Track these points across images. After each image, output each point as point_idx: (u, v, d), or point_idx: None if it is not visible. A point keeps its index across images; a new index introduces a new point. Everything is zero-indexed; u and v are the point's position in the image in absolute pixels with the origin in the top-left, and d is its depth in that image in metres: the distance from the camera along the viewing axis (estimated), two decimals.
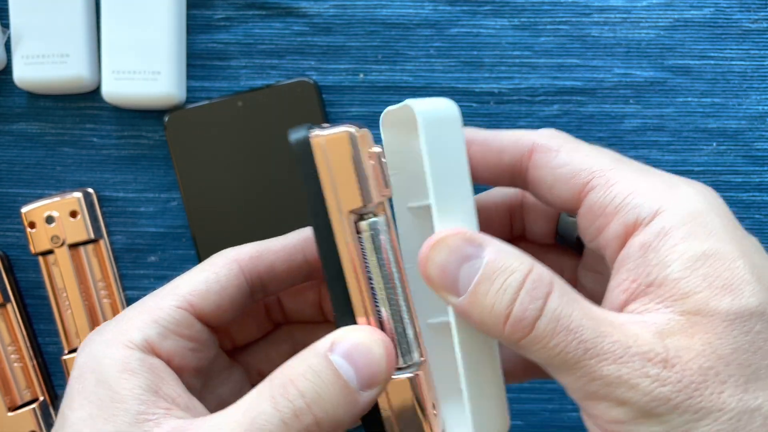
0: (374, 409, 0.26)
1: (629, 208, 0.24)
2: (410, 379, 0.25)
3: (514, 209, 0.30)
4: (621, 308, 0.23)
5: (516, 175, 0.27)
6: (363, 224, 0.25)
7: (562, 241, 0.29)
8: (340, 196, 0.24)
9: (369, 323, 0.25)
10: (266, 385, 0.23)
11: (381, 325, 0.25)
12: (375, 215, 0.25)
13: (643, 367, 0.21)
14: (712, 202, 0.24)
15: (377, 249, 0.25)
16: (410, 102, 0.26)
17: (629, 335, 0.22)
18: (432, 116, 0.26)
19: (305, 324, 0.32)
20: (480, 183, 0.29)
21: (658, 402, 0.21)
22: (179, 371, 0.26)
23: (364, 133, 0.25)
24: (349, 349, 0.24)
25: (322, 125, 0.25)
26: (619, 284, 0.24)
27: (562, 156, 0.26)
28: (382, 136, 0.28)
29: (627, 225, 0.24)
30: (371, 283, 0.25)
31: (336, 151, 0.24)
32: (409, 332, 0.25)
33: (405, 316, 0.25)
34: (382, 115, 0.28)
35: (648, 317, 0.22)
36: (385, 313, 0.25)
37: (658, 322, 0.22)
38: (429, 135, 0.25)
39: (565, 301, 0.22)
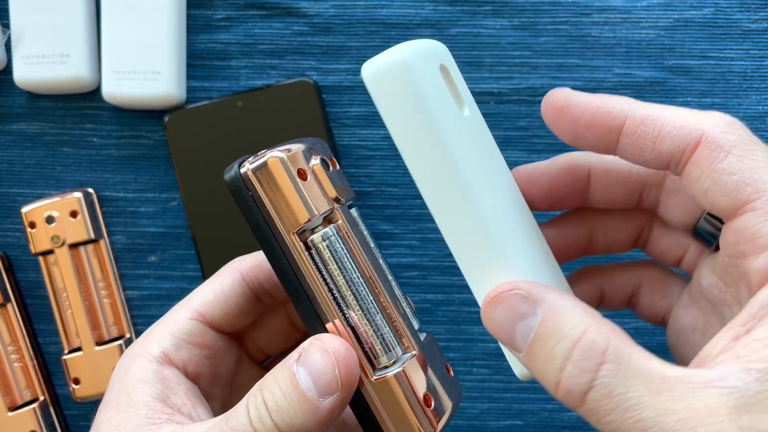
0: (368, 411, 0.26)
1: None
2: (396, 375, 0.26)
3: (649, 187, 0.27)
4: (721, 350, 0.20)
5: (674, 164, 0.24)
6: (315, 237, 0.25)
7: (700, 235, 0.27)
8: (282, 220, 0.25)
9: (337, 331, 0.26)
10: (248, 393, 0.26)
11: (354, 330, 0.26)
12: (331, 222, 0.26)
13: None
14: None
15: (336, 257, 0.26)
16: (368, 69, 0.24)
17: (699, 410, 0.19)
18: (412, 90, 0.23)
19: None
20: (601, 204, 0.27)
21: None
22: (195, 378, 0.29)
23: (295, 153, 0.26)
24: (308, 360, 0.25)
25: (256, 154, 0.26)
26: (734, 326, 0.21)
27: (731, 160, 0.22)
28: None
29: None
30: (334, 293, 0.26)
31: (267, 180, 0.25)
32: (385, 331, 0.26)
33: (376, 317, 0.26)
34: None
35: (731, 380, 0.19)
36: (355, 317, 0.26)
37: (739, 389, 0.19)
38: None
39: (621, 374, 0.20)
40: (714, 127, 0.23)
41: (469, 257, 0.25)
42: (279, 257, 0.26)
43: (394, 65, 0.23)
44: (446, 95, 0.25)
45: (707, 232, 0.26)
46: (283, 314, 0.33)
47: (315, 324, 0.26)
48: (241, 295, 0.30)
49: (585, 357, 0.20)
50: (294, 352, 0.25)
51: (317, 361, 0.25)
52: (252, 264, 0.30)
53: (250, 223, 0.26)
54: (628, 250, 0.30)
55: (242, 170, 0.25)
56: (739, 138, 0.22)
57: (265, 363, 0.34)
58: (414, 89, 0.23)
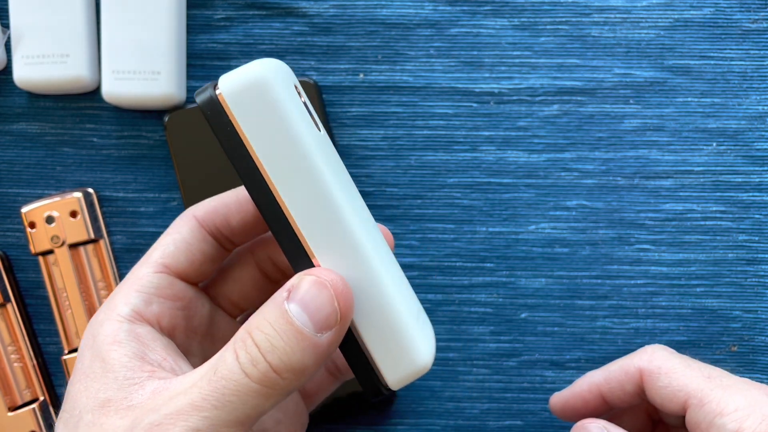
0: (355, 342, 0.26)
1: (717, 427, 0.29)
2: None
3: (651, 413, 0.37)
4: None
5: (640, 394, 0.34)
6: None
7: None
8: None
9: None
10: (231, 340, 0.24)
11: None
12: None
13: None
14: None
15: None
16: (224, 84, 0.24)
17: None
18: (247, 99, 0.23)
19: None
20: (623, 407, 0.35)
21: None
22: (170, 332, 0.28)
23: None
24: (302, 295, 0.24)
25: (228, 72, 0.24)
26: None
27: (663, 379, 0.32)
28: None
29: None
30: None
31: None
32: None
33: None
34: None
35: None
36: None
37: None
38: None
39: None
40: (642, 360, 0.33)
41: (322, 240, 0.25)
42: (262, 186, 0.24)
43: (258, 80, 0.23)
44: (304, 112, 0.25)
45: None
46: (253, 265, 0.32)
47: (302, 258, 0.25)
48: (202, 241, 0.29)
49: None
50: (281, 290, 0.25)
51: (314, 295, 0.24)
52: (206, 210, 0.29)
53: (227, 150, 0.24)
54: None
55: (218, 92, 0.23)
56: (664, 360, 0.32)
57: (240, 318, 0.33)
58: (281, 105, 0.23)
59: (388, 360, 0.26)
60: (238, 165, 0.24)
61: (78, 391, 0.25)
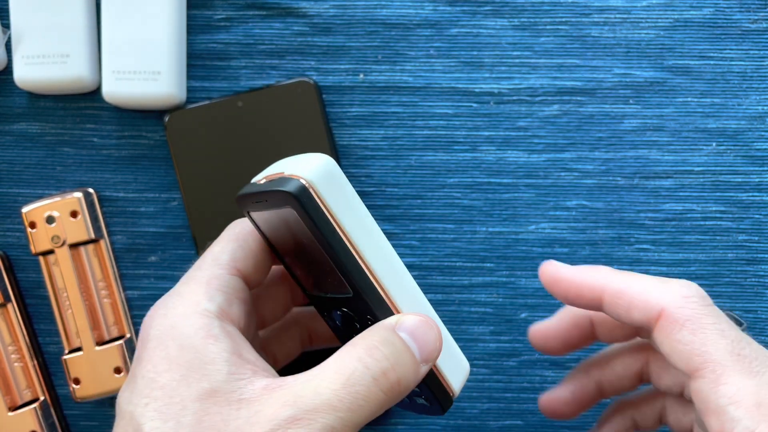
0: (435, 378, 0.29)
1: (728, 417, 0.25)
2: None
3: (642, 369, 0.33)
4: None
5: (645, 330, 0.29)
6: None
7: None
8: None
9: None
10: (348, 351, 0.26)
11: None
12: None
13: None
14: None
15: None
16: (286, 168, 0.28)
17: None
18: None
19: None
20: (607, 341, 0.32)
21: None
22: (245, 335, 0.29)
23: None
24: (411, 328, 0.27)
25: (293, 162, 0.28)
26: None
27: (684, 333, 0.27)
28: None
29: (723, 429, 0.25)
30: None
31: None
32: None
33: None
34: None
35: None
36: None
37: None
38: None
39: None
40: (672, 302, 0.27)
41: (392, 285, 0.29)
42: (349, 254, 0.27)
43: (332, 168, 0.27)
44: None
45: None
46: (288, 288, 0.33)
47: (386, 308, 0.28)
48: (261, 252, 0.30)
49: None
50: (389, 320, 0.28)
51: (424, 331, 0.27)
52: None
53: (320, 227, 0.27)
54: (636, 387, 0.34)
55: (304, 181, 0.26)
56: (693, 312, 0.27)
57: (264, 333, 0.34)
58: (350, 187, 0.28)
59: (452, 373, 0.30)
60: (329, 238, 0.27)
61: (172, 380, 0.25)
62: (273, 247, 0.31)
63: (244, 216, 0.31)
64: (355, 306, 0.29)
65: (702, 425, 0.28)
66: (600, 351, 0.33)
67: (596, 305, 0.30)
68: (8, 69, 0.43)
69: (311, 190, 0.26)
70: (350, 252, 0.27)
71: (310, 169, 0.27)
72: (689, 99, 0.42)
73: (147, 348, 0.27)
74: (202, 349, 0.26)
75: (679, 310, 0.27)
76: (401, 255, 0.43)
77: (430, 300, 0.30)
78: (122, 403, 0.26)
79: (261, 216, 0.30)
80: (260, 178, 0.30)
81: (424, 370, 0.28)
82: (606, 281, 0.29)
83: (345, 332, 0.31)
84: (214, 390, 0.25)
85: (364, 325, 0.28)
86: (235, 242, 0.30)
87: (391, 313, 0.28)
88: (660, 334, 0.27)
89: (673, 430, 0.32)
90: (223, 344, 0.26)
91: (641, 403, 0.34)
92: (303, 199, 0.26)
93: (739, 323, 0.29)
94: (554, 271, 0.31)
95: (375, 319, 0.28)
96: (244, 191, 0.30)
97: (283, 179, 0.27)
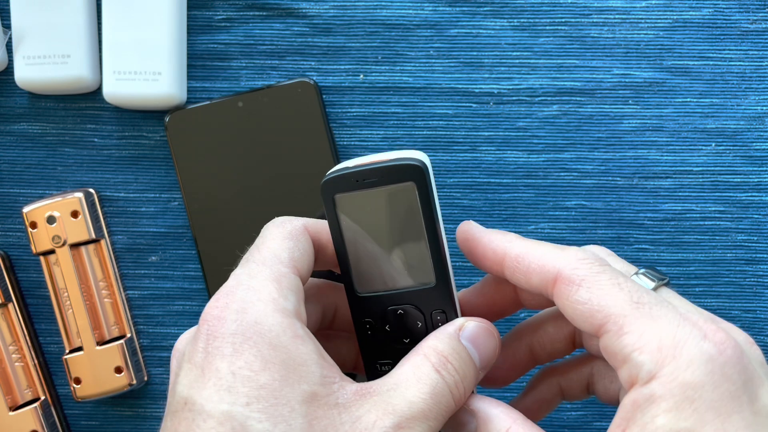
0: None
1: (633, 363, 0.25)
2: None
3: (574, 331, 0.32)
4: None
5: (546, 295, 0.28)
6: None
7: None
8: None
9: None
10: (421, 360, 0.27)
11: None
12: None
13: None
14: (714, 369, 0.24)
15: None
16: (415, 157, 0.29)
17: None
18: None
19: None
20: (532, 307, 0.32)
21: None
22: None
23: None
24: (473, 336, 0.28)
25: (392, 153, 0.29)
26: (613, 426, 0.26)
27: (582, 293, 0.26)
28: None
29: (631, 376, 0.25)
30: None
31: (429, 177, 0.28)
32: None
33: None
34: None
35: None
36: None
37: None
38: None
39: None
40: (567, 264, 0.27)
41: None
42: (439, 242, 0.28)
43: (427, 159, 0.29)
44: None
45: None
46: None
47: (453, 309, 0.29)
48: (312, 253, 0.29)
49: None
50: (452, 325, 0.28)
51: (485, 340, 0.28)
52: (316, 228, 0.30)
53: (426, 209, 0.28)
54: (570, 353, 0.32)
55: (420, 164, 0.28)
56: (588, 272, 0.27)
57: None
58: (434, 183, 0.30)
59: None
60: (434, 220, 0.28)
61: (274, 380, 0.24)
62: (339, 240, 0.30)
63: (327, 199, 0.29)
64: (428, 298, 0.29)
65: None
66: (534, 315, 0.33)
67: (498, 271, 0.29)
68: (9, 69, 0.43)
69: (428, 171, 0.28)
70: (442, 238, 0.28)
71: (418, 156, 0.28)
72: (688, 99, 0.42)
73: (228, 341, 0.25)
74: (293, 349, 0.25)
75: (574, 271, 0.27)
76: None
77: None
78: (201, 401, 0.24)
79: (351, 199, 0.29)
80: (356, 164, 0.29)
81: (481, 376, 0.28)
82: (509, 246, 0.29)
83: (398, 333, 0.30)
84: (314, 393, 0.25)
85: (429, 322, 0.29)
86: (291, 240, 0.28)
87: (456, 306, 0.29)
88: (559, 298, 0.27)
89: (601, 400, 0.32)
90: (310, 345, 0.26)
91: (569, 369, 0.33)
92: (427, 175, 0.28)
93: (661, 278, 0.29)
94: (467, 230, 0.30)
95: (446, 312, 0.29)
96: (345, 170, 0.29)
97: (403, 158, 0.28)
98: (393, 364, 0.28)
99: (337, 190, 0.29)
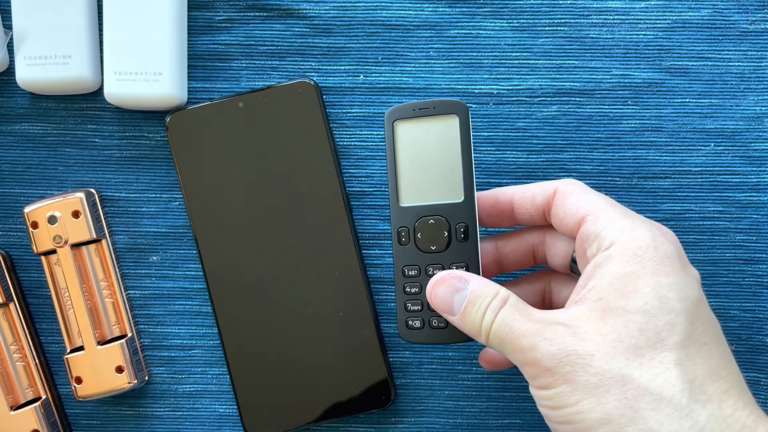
0: None
1: (601, 237, 0.33)
2: None
3: (537, 246, 0.39)
4: (573, 303, 0.32)
5: (546, 211, 0.37)
6: None
7: (575, 270, 0.37)
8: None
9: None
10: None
11: None
12: None
13: (551, 336, 0.31)
14: (657, 240, 0.32)
15: None
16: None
17: (552, 329, 0.31)
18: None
19: None
20: (524, 224, 0.38)
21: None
22: None
23: None
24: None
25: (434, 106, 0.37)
26: (577, 287, 0.33)
27: (573, 198, 0.35)
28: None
29: (599, 248, 0.33)
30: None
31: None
32: None
33: None
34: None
35: (574, 311, 0.32)
36: None
37: (574, 314, 0.32)
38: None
39: (516, 312, 0.32)
40: (564, 183, 0.36)
41: None
42: (473, 169, 0.37)
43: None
44: None
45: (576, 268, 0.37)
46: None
47: (472, 224, 0.36)
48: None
49: (495, 304, 0.33)
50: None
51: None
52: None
53: (470, 139, 0.36)
54: (532, 266, 0.40)
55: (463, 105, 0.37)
56: (579, 187, 0.35)
57: None
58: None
59: None
60: (471, 147, 0.36)
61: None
62: (393, 160, 0.37)
63: (387, 124, 0.37)
64: (456, 212, 0.36)
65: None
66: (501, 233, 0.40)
67: (509, 207, 0.38)
68: (10, 70, 0.43)
69: (468, 112, 0.37)
70: (472, 163, 0.36)
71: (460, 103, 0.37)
72: (687, 100, 0.42)
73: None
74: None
75: (569, 186, 0.35)
76: None
77: None
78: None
79: (407, 125, 0.37)
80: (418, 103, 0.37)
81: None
82: (515, 188, 0.37)
83: (427, 241, 0.37)
84: None
85: (453, 232, 0.36)
86: None
87: (476, 219, 0.36)
88: (555, 205, 0.35)
89: (553, 307, 0.39)
90: None
91: (524, 281, 0.40)
92: (468, 114, 0.36)
93: None
94: (488, 192, 0.38)
95: (468, 224, 0.36)
96: (409, 103, 0.37)
97: (451, 99, 0.37)
98: (419, 269, 0.36)
99: (397, 116, 0.37)
